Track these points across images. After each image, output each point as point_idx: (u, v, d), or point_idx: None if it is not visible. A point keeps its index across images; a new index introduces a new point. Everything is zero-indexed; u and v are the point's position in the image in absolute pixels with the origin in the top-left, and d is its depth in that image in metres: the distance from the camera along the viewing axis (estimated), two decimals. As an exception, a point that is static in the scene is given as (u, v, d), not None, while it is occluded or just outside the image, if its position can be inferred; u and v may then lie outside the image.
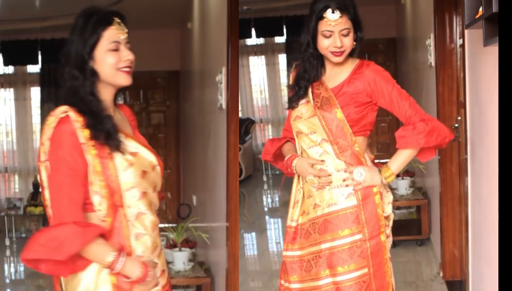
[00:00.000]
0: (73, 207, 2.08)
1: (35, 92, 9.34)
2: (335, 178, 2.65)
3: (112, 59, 2.16)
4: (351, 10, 2.61)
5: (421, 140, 2.60)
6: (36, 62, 9.04)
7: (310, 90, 2.71)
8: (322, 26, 2.60)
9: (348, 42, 2.62)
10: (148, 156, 2.25)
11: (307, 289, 2.70)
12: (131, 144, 2.22)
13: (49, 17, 7.73)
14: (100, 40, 2.16)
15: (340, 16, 2.58)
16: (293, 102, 2.75)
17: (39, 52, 8.92)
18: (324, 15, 2.59)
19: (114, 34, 2.17)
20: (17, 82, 9.37)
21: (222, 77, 4.38)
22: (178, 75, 8.44)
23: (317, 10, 2.60)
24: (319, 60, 2.70)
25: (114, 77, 2.19)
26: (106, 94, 2.22)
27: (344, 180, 2.64)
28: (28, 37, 8.78)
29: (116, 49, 2.17)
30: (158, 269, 2.24)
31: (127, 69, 2.19)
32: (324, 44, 2.62)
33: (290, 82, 2.80)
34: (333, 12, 2.58)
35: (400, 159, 2.68)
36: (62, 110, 2.13)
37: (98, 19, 2.17)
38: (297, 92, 2.72)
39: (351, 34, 2.62)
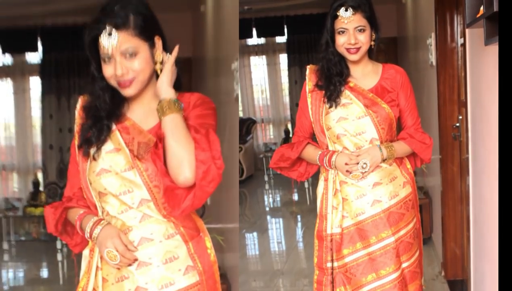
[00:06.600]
0: None
1: (35, 83, 8.52)
2: (388, 172, 2.77)
3: (106, 73, 2.06)
4: (366, 9, 2.68)
5: (421, 148, 2.81)
6: (35, 50, 8.34)
7: (349, 92, 2.76)
8: (337, 24, 2.69)
9: (364, 39, 2.69)
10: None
11: (374, 289, 2.77)
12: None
13: (50, 1, 6.89)
14: (99, 54, 2.06)
15: (353, 14, 2.66)
16: (334, 100, 2.75)
17: (39, 40, 8.26)
18: (338, 13, 2.67)
19: (101, 49, 2.04)
20: (15, 72, 8.55)
21: (238, 65, 4.10)
22: (190, 62, 7.82)
23: (332, 9, 2.70)
24: (341, 58, 2.76)
25: (117, 88, 2.09)
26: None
27: (349, 173, 2.73)
28: (27, 23, 7.99)
29: (109, 62, 2.04)
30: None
31: (123, 83, 2.06)
32: (340, 42, 2.70)
33: (313, 84, 2.81)
34: (346, 10, 2.66)
35: (401, 145, 2.81)
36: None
37: (88, 36, 2.05)
38: (334, 89, 2.75)
39: (368, 32, 2.70)
